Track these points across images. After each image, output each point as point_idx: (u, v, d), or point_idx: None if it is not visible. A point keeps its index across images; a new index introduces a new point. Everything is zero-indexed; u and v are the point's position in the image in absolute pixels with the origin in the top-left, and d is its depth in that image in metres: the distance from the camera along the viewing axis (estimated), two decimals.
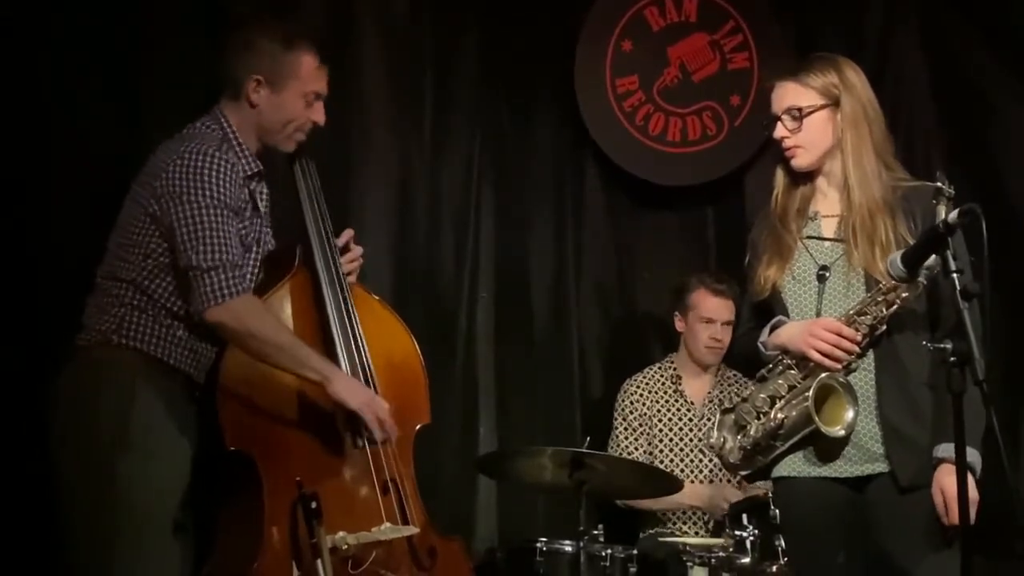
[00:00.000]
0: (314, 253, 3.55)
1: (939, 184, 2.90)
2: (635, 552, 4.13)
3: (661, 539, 4.39)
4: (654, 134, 5.12)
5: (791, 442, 3.14)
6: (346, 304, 3.53)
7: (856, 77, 3.30)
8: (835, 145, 3.28)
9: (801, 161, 3.32)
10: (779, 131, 3.31)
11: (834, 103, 3.27)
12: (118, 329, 3.27)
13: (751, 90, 5.08)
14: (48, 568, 3.45)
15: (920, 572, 2.99)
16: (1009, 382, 4.62)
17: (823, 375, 3.10)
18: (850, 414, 3.06)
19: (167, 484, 3.25)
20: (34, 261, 3.98)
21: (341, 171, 4.57)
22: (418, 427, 3.68)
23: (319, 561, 3.13)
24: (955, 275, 2.73)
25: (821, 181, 3.35)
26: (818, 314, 3.19)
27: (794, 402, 3.12)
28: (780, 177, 3.40)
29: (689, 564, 4.02)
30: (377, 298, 3.76)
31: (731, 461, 3.25)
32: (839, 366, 3.14)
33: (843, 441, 3.10)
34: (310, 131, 3.49)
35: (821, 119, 3.27)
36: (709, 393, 4.77)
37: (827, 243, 3.28)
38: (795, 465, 3.18)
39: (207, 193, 3.23)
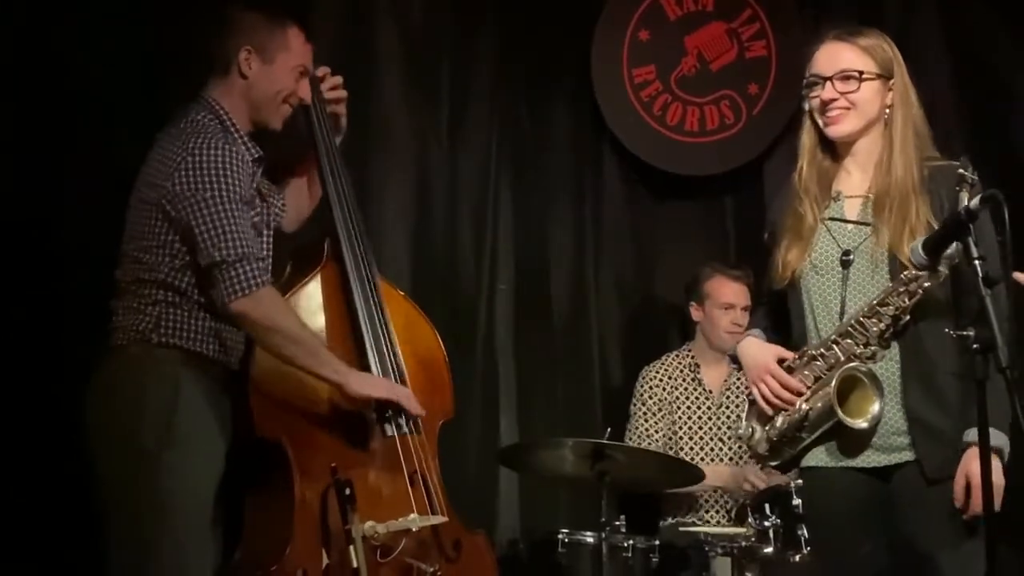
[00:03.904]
0: (342, 247, 3.57)
1: (962, 170, 2.88)
2: (657, 543, 4.13)
3: (682, 528, 4.39)
4: (672, 124, 5.11)
5: (816, 434, 3.08)
6: (375, 298, 3.55)
7: (900, 57, 3.18)
8: (876, 120, 3.13)
9: (844, 127, 3.13)
10: (828, 92, 3.12)
11: (887, 76, 3.13)
12: (156, 327, 3.28)
13: (769, 78, 5.07)
14: (89, 567, 3.46)
15: (945, 561, 2.97)
16: None
17: (848, 365, 3.02)
18: (876, 407, 2.99)
19: (208, 478, 3.27)
20: (59, 262, 3.98)
21: (359, 164, 4.57)
22: (442, 421, 3.70)
23: (352, 547, 3.14)
24: (977, 262, 2.71)
25: (848, 159, 3.19)
26: (843, 303, 3.08)
27: (819, 393, 3.05)
28: (807, 146, 3.22)
29: (712, 554, 4.04)
30: (402, 293, 3.78)
31: (759, 451, 3.19)
32: (769, 410, 3.13)
33: (869, 433, 3.03)
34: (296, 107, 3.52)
35: (874, 89, 3.12)
36: (726, 381, 4.77)
37: (850, 226, 3.14)
38: (821, 455, 3.13)
39: (222, 187, 3.23)
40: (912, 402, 3.01)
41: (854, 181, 3.19)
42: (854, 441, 3.06)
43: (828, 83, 3.12)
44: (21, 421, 3.82)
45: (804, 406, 3.06)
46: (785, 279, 3.18)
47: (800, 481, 4.08)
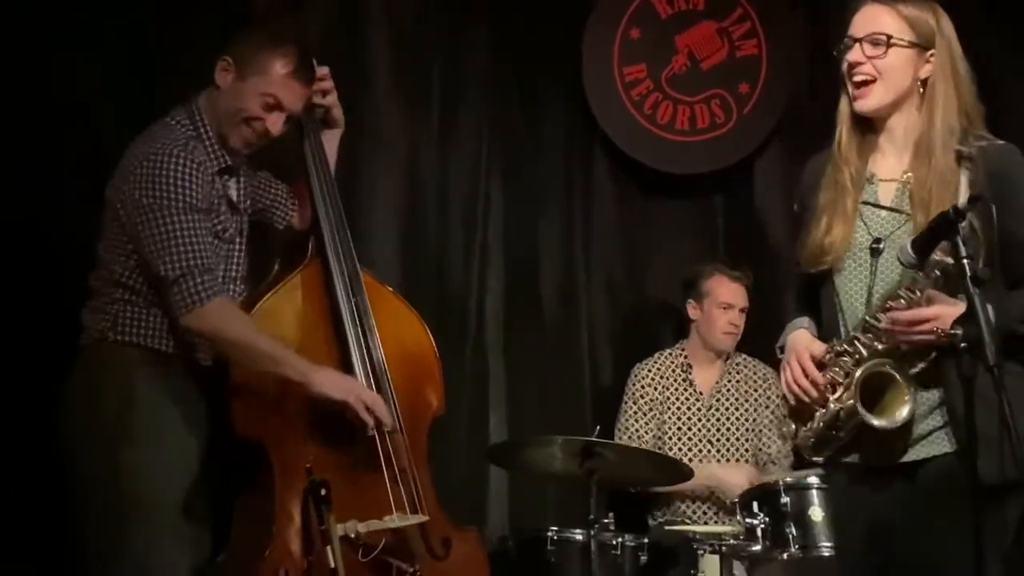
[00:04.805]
0: (326, 243, 3.57)
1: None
2: (646, 541, 4.14)
3: (669, 527, 4.40)
4: (662, 122, 5.12)
5: (850, 433, 2.89)
6: (358, 294, 3.55)
7: (951, 29, 2.94)
8: (908, 95, 2.92)
9: (871, 101, 2.92)
10: (855, 54, 2.91)
11: (925, 46, 2.90)
12: (113, 326, 3.32)
13: (760, 78, 5.07)
14: (65, 561, 3.47)
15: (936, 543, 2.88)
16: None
17: (871, 362, 2.85)
18: (906, 409, 2.81)
19: (174, 471, 3.29)
20: (60, 262, 3.97)
21: (350, 163, 4.56)
22: (432, 417, 3.70)
23: (328, 548, 3.14)
24: (966, 261, 2.70)
25: (883, 137, 2.97)
26: (870, 293, 2.89)
27: (849, 391, 2.86)
28: (845, 113, 2.98)
29: (700, 552, 4.04)
30: (391, 289, 3.78)
31: (806, 449, 2.99)
32: (791, 399, 2.96)
33: (901, 434, 2.84)
34: (264, 141, 3.45)
35: (906, 57, 2.90)
36: (717, 383, 4.77)
37: (884, 212, 2.92)
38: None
39: (171, 198, 3.24)
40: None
41: (889, 163, 2.98)
42: (884, 443, 2.88)
43: (857, 45, 2.91)
44: (23, 421, 3.82)
45: (834, 405, 2.88)
46: (825, 262, 2.96)
47: (788, 479, 4.11)
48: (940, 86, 2.90)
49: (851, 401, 2.84)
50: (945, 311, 2.76)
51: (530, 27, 5.02)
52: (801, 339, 3.01)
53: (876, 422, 2.82)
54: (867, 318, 2.89)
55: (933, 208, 2.81)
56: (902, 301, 2.84)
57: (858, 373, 2.84)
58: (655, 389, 4.75)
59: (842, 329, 2.96)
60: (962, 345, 2.64)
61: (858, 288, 2.94)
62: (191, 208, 3.26)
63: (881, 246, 2.90)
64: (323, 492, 3.19)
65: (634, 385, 4.78)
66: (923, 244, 2.83)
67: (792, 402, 2.97)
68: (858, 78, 2.93)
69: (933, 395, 2.86)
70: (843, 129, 2.99)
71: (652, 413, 4.74)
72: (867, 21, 2.93)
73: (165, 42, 4.19)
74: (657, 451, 4.57)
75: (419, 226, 4.83)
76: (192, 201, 3.26)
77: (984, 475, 2.63)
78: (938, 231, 2.78)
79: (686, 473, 4.07)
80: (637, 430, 4.71)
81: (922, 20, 2.92)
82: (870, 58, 2.91)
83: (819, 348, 2.95)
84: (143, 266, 3.29)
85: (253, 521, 3.39)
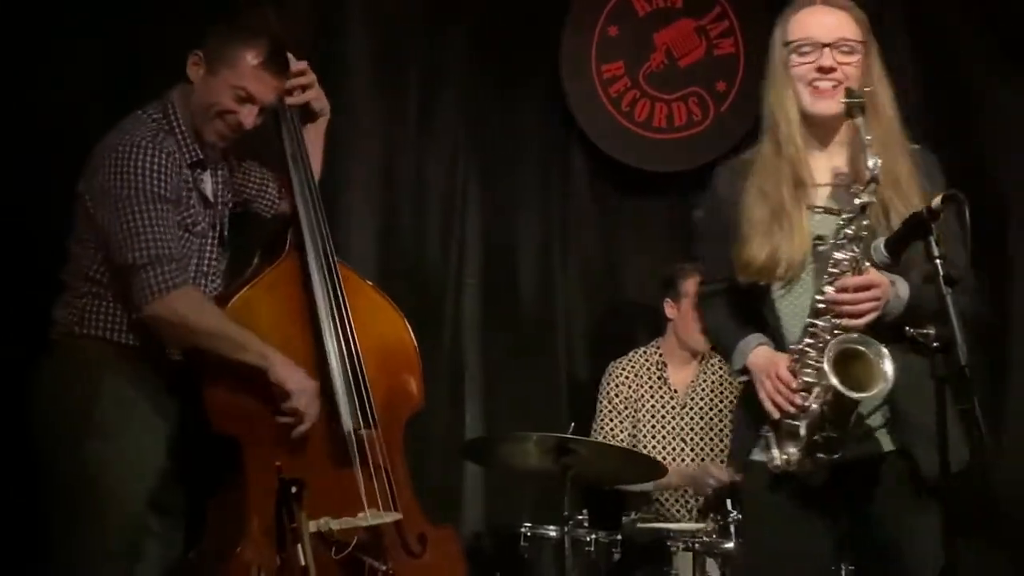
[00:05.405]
0: (305, 237, 3.56)
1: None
2: (619, 537, 4.15)
3: (641, 524, 4.39)
4: (640, 120, 5.12)
5: (847, 426, 2.85)
6: (335, 289, 3.54)
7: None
8: None
9: (834, 104, 2.90)
10: (829, 60, 2.90)
11: (869, 50, 2.96)
12: (80, 321, 3.33)
13: (737, 76, 5.08)
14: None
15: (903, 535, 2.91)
16: (992, 367, 4.65)
17: (834, 340, 2.80)
18: (882, 380, 2.75)
19: (140, 465, 3.29)
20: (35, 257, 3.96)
21: (328, 158, 4.56)
22: (412, 412, 3.69)
23: (299, 546, 3.14)
24: (938, 261, 2.71)
25: (825, 139, 2.99)
26: (820, 295, 2.87)
27: (822, 383, 2.81)
28: (783, 121, 2.95)
29: (673, 549, 4.04)
30: (371, 283, 3.77)
31: (808, 473, 2.89)
32: (776, 413, 2.89)
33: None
34: (239, 134, 3.45)
35: (860, 61, 2.94)
36: (692, 383, 4.77)
37: (818, 215, 2.91)
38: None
39: (138, 188, 3.23)
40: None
41: (833, 165, 2.99)
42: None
43: (827, 50, 2.92)
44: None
45: (815, 405, 2.84)
46: (777, 273, 2.92)
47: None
48: (880, 87, 2.95)
49: (828, 394, 2.81)
50: (880, 278, 2.81)
51: (508, 23, 5.02)
52: (765, 355, 2.97)
53: (859, 395, 2.79)
54: (818, 304, 2.87)
55: (893, 211, 2.84)
56: (844, 270, 2.83)
57: (828, 352, 2.80)
58: (630, 387, 4.76)
59: (784, 326, 2.95)
60: (934, 345, 2.67)
61: (804, 287, 2.93)
62: (158, 198, 3.25)
63: (823, 246, 2.89)
64: (294, 490, 3.18)
65: (608, 384, 4.79)
66: (896, 244, 2.85)
67: (776, 416, 2.91)
68: (827, 84, 2.93)
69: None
70: (791, 133, 2.95)
71: (627, 411, 4.74)
72: (833, 26, 2.95)
73: (148, 40, 4.18)
74: (631, 449, 4.58)
75: (395, 222, 4.83)
76: (159, 191, 3.26)
77: (926, 471, 2.76)
78: (911, 231, 2.80)
79: (659, 471, 4.07)
80: (612, 428, 4.71)
81: (866, 23, 2.97)
82: (840, 64, 2.92)
83: (785, 359, 2.93)
84: (110, 259, 3.28)
85: (226, 517, 3.38)
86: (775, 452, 2.92)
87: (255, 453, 3.35)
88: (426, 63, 4.92)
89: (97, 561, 3.24)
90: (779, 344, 2.98)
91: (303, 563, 3.09)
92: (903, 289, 2.86)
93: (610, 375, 4.80)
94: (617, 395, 4.76)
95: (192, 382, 3.35)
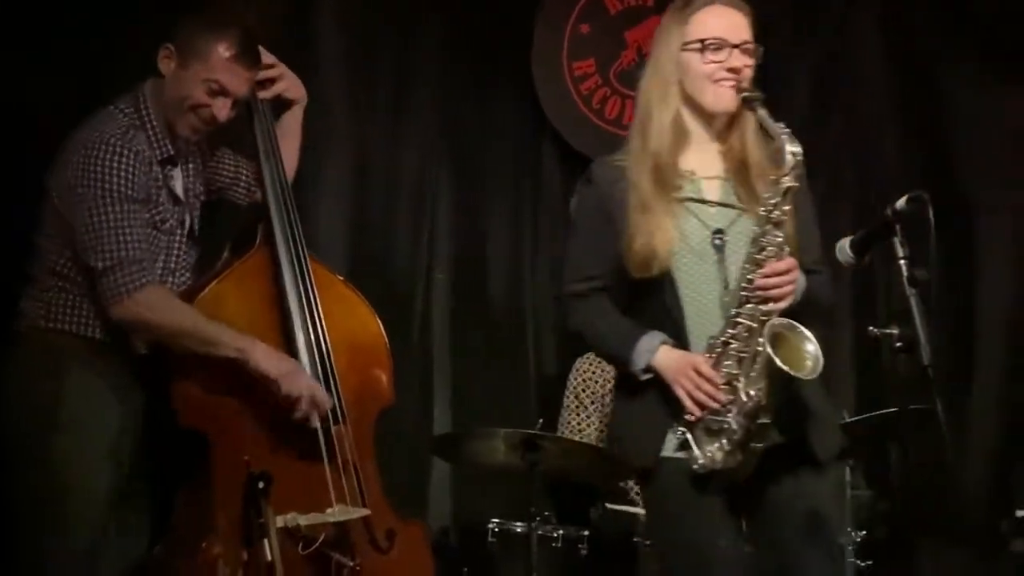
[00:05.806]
0: (275, 230, 3.55)
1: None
2: (586, 534, 4.16)
3: (610, 505, 4.37)
4: (611, 117, 5.14)
5: (770, 411, 2.85)
6: (306, 283, 3.53)
7: None
8: None
9: (733, 102, 2.97)
10: (738, 60, 2.97)
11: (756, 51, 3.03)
12: (46, 314, 3.32)
13: None
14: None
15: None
16: (955, 367, 4.68)
17: (767, 325, 2.80)
18: (811, 357, 2.79)
19: (104, 458, 3.29)
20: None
21: (302, 147, 4.56)
22: (382, 407, 3.69)
23: (266, 541, 3.13)
24: (903, 261, 2.74)
25: (703, 135, 3.03)
26: (726, 286, 2.90)
27: (755, 370, 2.81)
28: (664, 117, 2.99)
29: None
30: (341, 278, 3.76)
31: (734, 468, 2.86)
32: (698, 412, 2.87)
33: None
34: (212, 127, 3.44)
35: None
36: None
37: (714, 208, 2.97)
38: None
39: (105, 188, 3.22)
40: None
41: (706, 160, 3.03)
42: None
43: (736, 51, 2.97)
44: None
45: (752, 392, 2.82)
46: (661, 266, 2.91)
47: None
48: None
49: (763, 380, 2.80)
50: (794, 261, 2.89)
51: (481, 19, 5.02)
52: (675, 354, 2.93)
53: (803, 375, 2.80)
54: (743, 291, 2.87)
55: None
56: (767, 256, 2.87)
57: (765, 335, 2.79)
58: (596, 383, 4.77)
59: (687, 323, 2.94)
60: (897, 345, 2.70)
61: (707, 281, 2.94)
62: (126, 198, 3.24)
63: (725, 238, 2.93)
64: (261, 485, 3.17)
65: (575, 380, 4.80)
66: (861, 244, 2.88)
67: (699, 414, 2.88)
68: (731, 83, 2.97)
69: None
70: (663, 127, 2.98)
71: (593, 407, 4.76)
72: (737, 28, 3.00)
73: (118, 33, 4.15)
74: (599, 445, 4.59)
75: (366, 217, 4.82)
76: (127, 191, 3.24)
77: (820, 453, 2.92)
78: (876, 232, 2.83)
79: (627, 469, 4.07)
80: (579, 423, 4.73)
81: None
82: (745, 66, 2.98)
83: (700, 356, 2.91)
84: (77, 255, 3.28)
85: (193, 512, 3.38)
86: (696, 452, 2.89)
87: (223, 447, 3.34)
88: (398, 59, 4.91)
89: (62, 557, 3.24)
90: (680, 339, 2.95)
91: (270, 559, 3.09)
92: (801, 275, 2.94)
93: (577, 371, 4.81)
94: (584, 390, 4.77)
95: (159, 376, 3.35)
